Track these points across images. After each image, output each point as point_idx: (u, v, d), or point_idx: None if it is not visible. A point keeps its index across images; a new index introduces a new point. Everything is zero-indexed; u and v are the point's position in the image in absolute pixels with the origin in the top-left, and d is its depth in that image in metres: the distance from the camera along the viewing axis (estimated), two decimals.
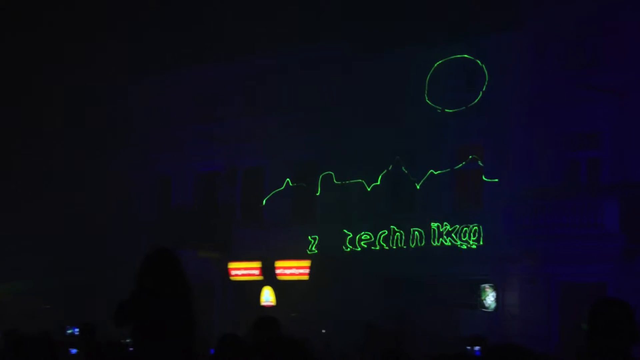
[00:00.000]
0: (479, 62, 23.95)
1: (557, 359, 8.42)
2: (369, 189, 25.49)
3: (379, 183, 25.44)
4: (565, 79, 22.58)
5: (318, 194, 26.55)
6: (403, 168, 25.15)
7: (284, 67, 27.57)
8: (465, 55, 24.22)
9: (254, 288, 26.99)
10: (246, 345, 5.98)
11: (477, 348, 14.59)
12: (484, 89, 23.73)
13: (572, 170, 22.68)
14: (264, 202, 27.90)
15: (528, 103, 22.94)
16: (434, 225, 23.65)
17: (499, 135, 23.33)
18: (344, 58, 26.41)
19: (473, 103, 23.78)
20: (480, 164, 23.89)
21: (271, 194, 27.71)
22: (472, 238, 23.15)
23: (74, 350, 9.42)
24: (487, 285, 22.97)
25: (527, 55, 23.15)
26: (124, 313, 4.93)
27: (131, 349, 5.25)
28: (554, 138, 22.55)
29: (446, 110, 24.33)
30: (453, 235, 23.31)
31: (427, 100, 24.73)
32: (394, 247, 23.71)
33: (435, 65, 24.73)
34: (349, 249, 24.80)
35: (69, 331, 15.50)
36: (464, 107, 23.91)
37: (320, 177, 26.49)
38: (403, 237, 23.90)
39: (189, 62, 29.56)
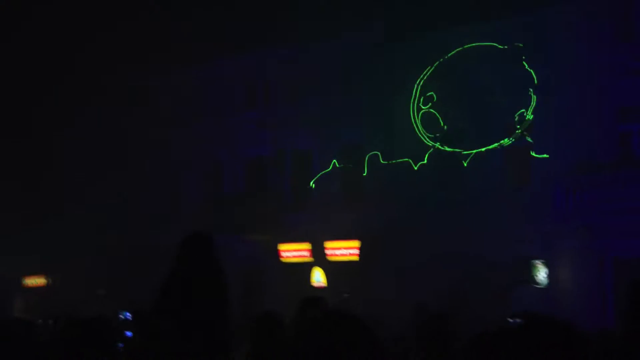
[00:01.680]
0: (520, 45, 23.63)
1: (602, 335, 8.09)
2: (415, 168, 25.39)
3: (425, 162, 25.31)
4: (615, 52, 22.16)
5: (365, 174, 26.54)
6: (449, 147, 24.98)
7: (327, 53, 27.77)
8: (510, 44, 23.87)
9: (304, 269, 27.17)
10: (282, 322, 6.04)
11: (519, 320, 14.45)
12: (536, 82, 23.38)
13: (624, 144, 22.29)
14: (312, 184, 28.02)
15: (578, 77, 22.57)
16: (482, 202, 23.44)
17: (548, 110, 23.01)
18: (385, 42, 26.45)
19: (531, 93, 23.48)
20: (529, 140, 23.60)
21: (318, 176, 27.84)
22: (522, 214, 22.89)
23: (129, 333, 9.63)
24: (538, 262, 22.74)
25: (578, 30, 22.75)
26: (167, 298, 5.08)
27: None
28: (604, 111, 22.17)
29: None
30: (503, 211, 23.03)
31: None
32: (444, 226, 23.53)
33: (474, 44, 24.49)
34: (398, 229, 24.69)
35: (121, 316, 15.73)
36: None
37: (367, 157, 26.48)
38: (452, 216, 23.70)
39: (235, 52, 30.00)
